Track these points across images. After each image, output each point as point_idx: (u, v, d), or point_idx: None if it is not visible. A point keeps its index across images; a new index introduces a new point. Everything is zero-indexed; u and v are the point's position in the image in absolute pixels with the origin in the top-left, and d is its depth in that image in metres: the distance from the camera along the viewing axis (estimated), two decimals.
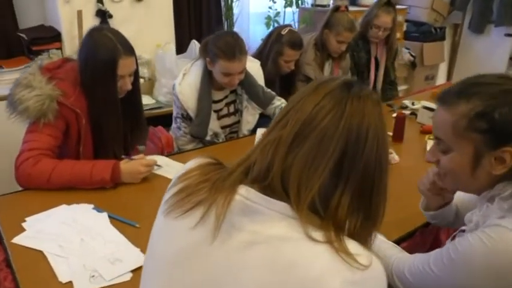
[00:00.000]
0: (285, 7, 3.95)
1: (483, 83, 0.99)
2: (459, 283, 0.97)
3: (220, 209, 0.73)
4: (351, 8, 3.61)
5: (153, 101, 3.02)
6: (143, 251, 1.24)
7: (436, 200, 1.29)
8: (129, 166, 1.64)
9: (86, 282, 1.14)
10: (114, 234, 1.35)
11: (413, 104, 2.62)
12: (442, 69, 5.38)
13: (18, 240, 1.30)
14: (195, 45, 3.15)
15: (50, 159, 1.59)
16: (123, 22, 2.99)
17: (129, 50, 1.66)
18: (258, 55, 2.54)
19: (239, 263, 0.69)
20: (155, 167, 1.72)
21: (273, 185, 0.73)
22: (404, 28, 4.73)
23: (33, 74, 1.62)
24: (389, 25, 2.87)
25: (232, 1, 3.72)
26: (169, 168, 1.77)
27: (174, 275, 0.75)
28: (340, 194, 0.73)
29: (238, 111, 2.30)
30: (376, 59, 3.05)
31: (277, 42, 2.46)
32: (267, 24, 3.86)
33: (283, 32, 2.45)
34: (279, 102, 2.30)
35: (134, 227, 1.39)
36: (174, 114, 2.23)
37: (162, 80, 3.04)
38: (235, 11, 3.82)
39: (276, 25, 3.79)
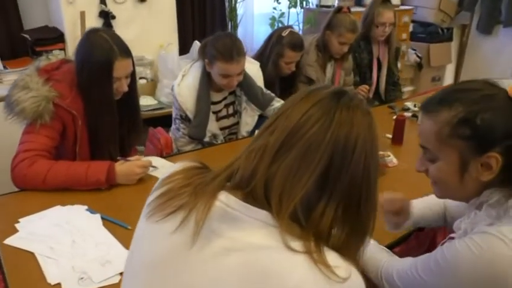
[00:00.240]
0: (289, 8, 3.94)
1: (464, 89, 0.99)
2: None
3: (200, 215, 0.72)
4: (356, 9, 3.60)
5: (155, 102, 3.03)
6: None
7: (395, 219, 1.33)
8: (125, 167, 1.64)
9: (75, 284, 1.15)
10: (105, 236, 1.35)
11: (415, 106, 2.59)
12: (450, 70, 5.33)
13: (10, 241, 1.31)
14: (197, 46, 3.14)
15: (45, 160, 1.60)
16: (126, 23, 3.02)
17: (126, 52, 1.66)
18: (259, 56, 2.54)
19: (216, 269, 0.69)
20: (150, 169, 1.72)
21: (255, 192, 0.73)
22: (411, 29, 4.70)
23: (30, 76, 1.63)
24: (393, 20, 2.87)
25: (236, 2, 3.71)
26: (165, 169, 1.74)
27: (153, 280, 0.75)
28: (325, 205, 0.72)
29: (237, 113, 2.29)
30: (378, 59, 3.03)
31: (277, 43, 2.45)
32: (272, 25, 3.84)
33: (284, 34, 2.44)
34: (278, 104, 2.29)
35: (126, 229, 1.39)
36: (173, 115, 2.24)
37: (164, 80, 3.05)
38: (240, 11, 3.82)
39: (280, 26, 3.78)
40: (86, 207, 1.49)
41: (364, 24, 2.90)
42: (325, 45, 2.75)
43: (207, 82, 2.11)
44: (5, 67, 2.79)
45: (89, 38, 1.64)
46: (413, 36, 4.78)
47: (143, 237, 0.81)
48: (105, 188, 1.61)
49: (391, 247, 1.35)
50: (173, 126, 2.27)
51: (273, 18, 3.87)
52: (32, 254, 1.26)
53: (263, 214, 0.70)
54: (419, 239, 1.45)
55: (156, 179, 1.69)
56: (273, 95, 2.32)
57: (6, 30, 2.91)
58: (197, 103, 2.09)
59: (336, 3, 3.96)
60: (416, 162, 1.09)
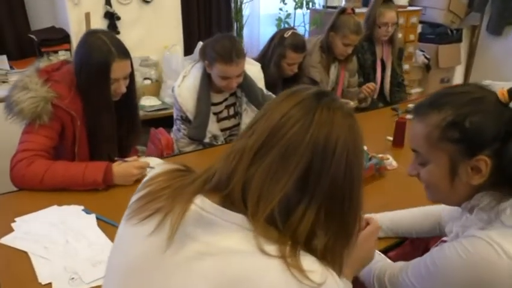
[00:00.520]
0: (295, 9, 3.93)
1: (454, 92, 0.99)
2: None
3: (175, 218, 0.72)
4: (361, 10, 3.56)
5: (159, 102, 3.04)
6: None
7: None
8: (122, 168, 1.65)
9: (65, 284, 1.16)
10: (99, 236, 1.36)
11: None
12: (459, 71, 5.26)
13: (5, 240, 1.33)
14: None
15: (44, 160, 1.61)
16: (131, 24, 3.03)
17: (124, 53, 1.67)
18: (261, 58, 2.54)
19: (188, 273, 0.69)
20: (148, 169, 1.73)
21: (232, 196, 0.72)
22: (419, 30, 4.65)
23: (29, 76, 1.65)
24: (395, 20, 2.85)
25: (242, 2, 3.71)
26: None
27: (129, 284, 0.75)
28: (305, 208, 0.70)
29: (238, 114, 2.29)
30: (382, 60, 3.00)
31: (279, 45, 2.45)
32: (278, 26, 3.82)
33: (286, 35, 2.43)
34: None
35: None
36: (174, 116, 2.25)
37: (169, 81, 3.05)
38: (246, 12, 3.81)
39: (286, 27, 3.77)
40: (82, 207, 1.51)
41: (367, 25, 2.88)
42: (329, 46, 2.74)
43: (207, 83, 2.11)
44: (11, 67, 2.82)
45: (87, 39, 1.65)
46: (422, 38, 4.73)
47: (122, 241, 0.81)
48: (102, 188, 1.62)
49: (385, 252, 1.34)
50: (174, 127, 2.28)
51: (279, 19, 3.86)
52: (26, 253, 1.27)
53: (239, 217, 0.69)
54: (414, 244, 1.44)
55: None
56: (273, 96, 2.31)
57: (14, 30, 2.95)
58: (197, 104, 2.10)
59: (343, 4, 3.93)
60: (408, 167, 1.08)
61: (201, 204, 0.72)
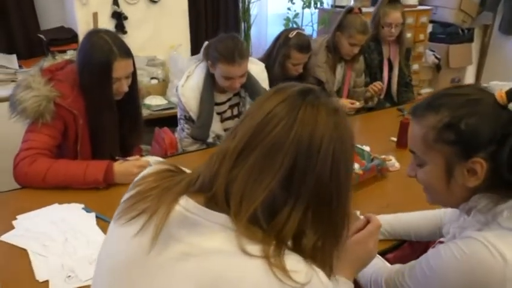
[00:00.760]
0: (303, 8, 3.91)
1: (451, 94, 0.98)
2: None
3: (160, 219, 0.71)
4: (368, 10, 3.53)
5: (166, 102, 3.06)
6: None
7: None
8: (123, 167, 1.66)
9: (62, 282, 1.17)
10: (98, 235, 1.37)
11: None
12: (470, 72, 5.20)
13: (6, 237, 1.34)
14: None
15: (46, 158, 1.63)
16: (138, 24, 3.06)
17: (126, 53, 1.68)
18: (266, 57, 2.53)
19: (172, 274, 0.68)
20: None
21: (216, 196, 0.71)
22: (430, 29, 4.60)
23: (33, 76, 1.67)
24: (400, 20, 2.81)
25: (249, 2, 3.71)
26: None
27: (115, 285, 0.75)
28: (291, 207, 0.69)
29: (241, 114, 2.29)
30: (389, 60, 2.98)
31: (284, 45, 2.44)
32: (286, 26, 3.81)
33: (291, 35, 2.42)
34: None
35: None
36: (178, 115, 2.25)
37: (175, 81, 3.06)
38: (253, 12, 3.81)
39: (295, 26, 3.76)
40: (82, 205, 1.52)
41: (373, 25, 2.86)
42: (336, 46, 2.72)
43: (211, 83, 2.11)
44: (20, 66, 2.86)
45: (90, 39, 1.67)
46: (433, 37, 4.68)
47: (110, 241, 0.81)
48: (103, 187, 1.64)
49: (384, 254, 1.33)
50: (178, 127, 2.29)
51: (287, 19, 3.85)
52: (25, 250, 1.29)
53: (222, 217, 0.69)
54: (413, 246, 1.42)
55: None
56: None
57: (24, 30, 2.99)
58: (201, 104, 2.10)
59: (351, 4, 3.91)
60: (407, 167, 1.08)
61: (185, 204, 0.72)
